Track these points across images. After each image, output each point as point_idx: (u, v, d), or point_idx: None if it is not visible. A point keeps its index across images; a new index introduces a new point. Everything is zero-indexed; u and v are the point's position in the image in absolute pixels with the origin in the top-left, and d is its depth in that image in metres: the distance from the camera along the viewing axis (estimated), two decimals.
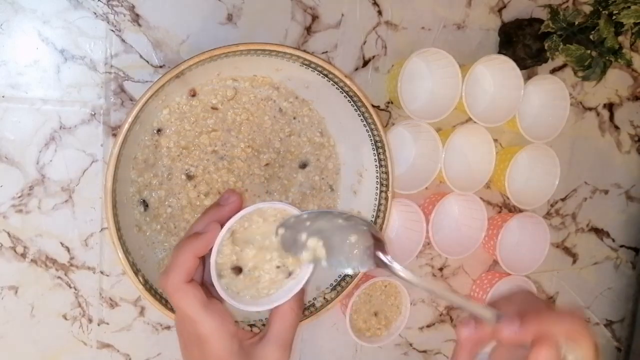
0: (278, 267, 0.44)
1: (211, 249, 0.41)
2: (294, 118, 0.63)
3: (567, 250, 0.91)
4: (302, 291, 0.44)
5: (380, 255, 0.41)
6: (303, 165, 0.64)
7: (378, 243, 0.41)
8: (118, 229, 0.51)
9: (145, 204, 0.58)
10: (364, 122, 0.60)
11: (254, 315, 0.59)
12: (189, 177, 0.60)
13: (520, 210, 0.81)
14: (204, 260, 0.42)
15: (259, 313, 0.59)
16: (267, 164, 0.63)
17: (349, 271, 0.42)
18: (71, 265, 0.62)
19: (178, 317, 0.43)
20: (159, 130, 0.58)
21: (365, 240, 0.41)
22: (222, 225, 0.41)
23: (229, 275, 0.43)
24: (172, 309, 0.54)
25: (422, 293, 0.79)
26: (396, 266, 0.40)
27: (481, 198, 0.76)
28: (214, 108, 0.60)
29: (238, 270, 0.43)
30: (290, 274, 0.44)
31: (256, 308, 0.42)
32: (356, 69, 0.71)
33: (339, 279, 0.62)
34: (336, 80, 0.57)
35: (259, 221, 0.43)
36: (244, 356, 0.41)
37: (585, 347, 0.38)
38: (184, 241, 0.41)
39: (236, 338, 0.41)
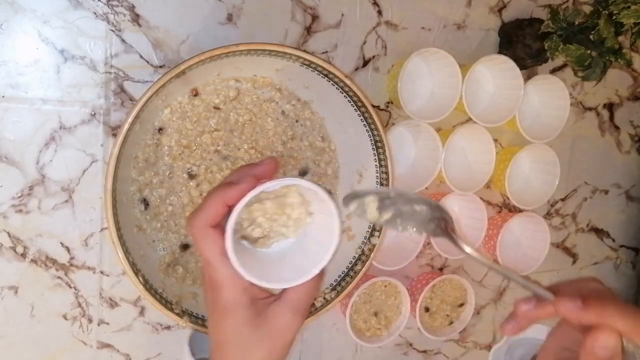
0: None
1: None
2: (296, 121, 0.63)
3: (567, 250, 0.91)
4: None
5: (452, 231, 0.42)
6: (303, 173, 0.64)
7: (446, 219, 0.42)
8: (118, 229, 0.51)
9: (145, 203, 0.58)
10: (364, 122, 0.60)
11: None
12: (191, 176, 0.60)
13: (520, 210, 0.81)
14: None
15: None
16: None
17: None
18: (71, 265, 0.62)
19: (200, 259, 0.43)
20: (160, 129, 0.58)
21: (433, 212, 0.42)
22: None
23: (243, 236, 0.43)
24: (171, 309, 0.54)
25: None
26: (463, 243, 0.41)
27: (481, 198, 0.76)
28: (217, 108, 0.60)
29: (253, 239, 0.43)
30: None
31: (267, 285, 0.41)
32: (356, 69, 0.71)
33: (339, 279, 0.62)
34: (336, 80, 0.57)
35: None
36: (254, 312, 0.40)
37: None
38: (217, 188, 0.41)
39: (248, 292, 0.40)
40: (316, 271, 0.41)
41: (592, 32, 0.68)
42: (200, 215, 0.40)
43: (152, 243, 0.59)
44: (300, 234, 0.44)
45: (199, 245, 0.40)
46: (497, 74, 0.76)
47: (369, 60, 0.71)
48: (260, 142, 0.62)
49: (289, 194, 0.42)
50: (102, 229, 0.62)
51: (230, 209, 0.40)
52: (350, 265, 0.62)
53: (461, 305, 0.79)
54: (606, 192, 0.92)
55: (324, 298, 0.61)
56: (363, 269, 0.61)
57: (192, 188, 0.60)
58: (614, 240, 0.94)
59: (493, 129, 0.73)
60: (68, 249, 0.62)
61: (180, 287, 0.59)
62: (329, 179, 0.66)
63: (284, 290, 0.42)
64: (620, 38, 0.69)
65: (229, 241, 0.38)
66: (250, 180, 0.40)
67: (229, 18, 0.63)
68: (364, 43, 0.70)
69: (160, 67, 0.62)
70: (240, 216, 0.41)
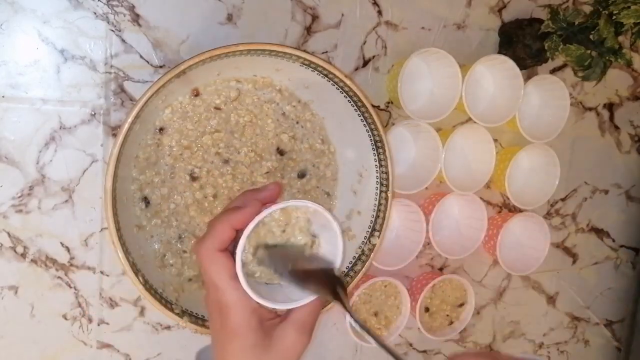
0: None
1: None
2: (297, 123, 0.63)
3: (567, 250, 0.91)
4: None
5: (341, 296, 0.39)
6: (302, 175, 0.64)
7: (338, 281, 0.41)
8: (118, 229, 0.51)
9: (146, 201, 0.58)
10: (364, 122, 0.60)
11: None
12: (194, 178, 0.60)
13: (520, 210, 0.81)
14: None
15: None
16: (267, 172, 0.63)
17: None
18: (71, 265, 0.62)
19: (206, 285, 0.43)
20: (161, 129, 0.58)
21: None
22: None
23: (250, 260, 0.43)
24: (171, 309, 0.54)
25: None
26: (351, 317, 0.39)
27: (481, 198, 0.76)
28: (217, 108, 0.60)
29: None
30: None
31: (274, 305, 0.41)
32: (356, 69, 0.71)
33: None
34: (336, 80, 0.57)
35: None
36: (262, 334, 0.41)
37: None
38: (223, 212, 0.41)
39: (257, 314, 0.41)
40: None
41: (592, 32, 0.68)
42: (208, 240, 0.40)
43: (150, 238, 0.58)
44: None
45: (208, 269, 0.40)
46: (497, 74, 0.76)
47: (369, 60, 0.71)
48: (260, 144, 0.62)
49: (292, 212, 0.43)
50: (102, 229, 0.62)
51: (237, 233, 0.40)
52: (350, 265, 0.62)
53: (461, 305, 0.79)
54: (606, 192, 0.92)
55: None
56: (363, 269, 0.61)
57: (196, 190, 0.60)
58: (614, 240, 0.94)
59: (493, 129, 0.73)
60: (68, 249, 0.62)
61: (179, 280, 0.59)
62: (327, 181, 0.66)
63: (289, 311, 0.42)
64: (620, 38, 0.69)
65: (239, 263, 0.39)
66: (256, 204, 0.41)
67: (229, 18, 0.63)
68: (364, 43, 0.70)
69: (160, 67, 0.62)
70: (248, 240, 0.41)
